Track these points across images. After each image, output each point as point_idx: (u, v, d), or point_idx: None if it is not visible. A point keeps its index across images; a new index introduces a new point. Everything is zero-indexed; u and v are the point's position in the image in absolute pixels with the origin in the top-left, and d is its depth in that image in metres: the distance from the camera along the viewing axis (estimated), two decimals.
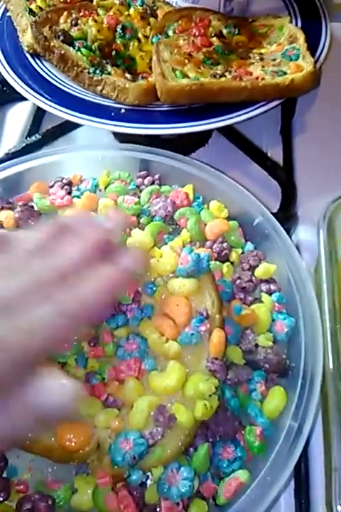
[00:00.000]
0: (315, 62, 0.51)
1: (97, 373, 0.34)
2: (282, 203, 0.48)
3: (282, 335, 0.36)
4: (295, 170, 0.52)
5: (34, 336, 0.23)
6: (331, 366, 0.34)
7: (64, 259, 0.26)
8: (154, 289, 0.36)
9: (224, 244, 0.39)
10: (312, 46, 0.54)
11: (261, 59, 0.52)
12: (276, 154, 0.53)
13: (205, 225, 0.41)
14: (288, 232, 0.45)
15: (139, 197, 0.43)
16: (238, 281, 0.38)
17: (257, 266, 0.40)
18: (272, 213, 0.41)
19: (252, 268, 0.40)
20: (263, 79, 0.49)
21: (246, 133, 0.54)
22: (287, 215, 0.47)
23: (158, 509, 0.31)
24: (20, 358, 0.23)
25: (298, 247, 0.43)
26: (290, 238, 0.43)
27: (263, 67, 0.51)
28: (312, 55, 0.52)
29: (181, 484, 0.30)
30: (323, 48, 0.54)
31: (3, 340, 0.22)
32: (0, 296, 0.24)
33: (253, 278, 0.39)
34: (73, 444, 0.30)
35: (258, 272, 0.39)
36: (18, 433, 0.24)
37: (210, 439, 0.33)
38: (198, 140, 0.54)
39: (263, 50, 0.54)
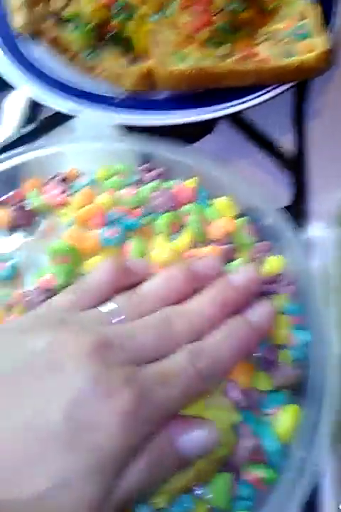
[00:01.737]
0: (328, 41, 0.47)
1: None
2: (293, 196, 0.45)
3: (295, 349, 0.32)
4: (307, 160, 0.48)
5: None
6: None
7: (196, 313, 0.26)
8: None
9: (231, 246, 0.36)
10: (325, 23, 0.50)
11: (269, 38, 0.48)
12: (287, 143, 0.49)
13: (210, 223, 0.38)
14: (300, 228, 0.42)
15: (140, 191, 0.40)
16: None
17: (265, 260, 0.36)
18: (282, 208, 0.38)
19: (262, 265, 0.36)
20: (271, 60, 0.45)
21: (255, 120, 0.50)
22: (298, 210, 0.44)
23: None
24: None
25: (309, 244, 0.41)
26: (302, 234, 0.41)
27: (271, 47, 0.47)
28: (325, 33, 0.48)
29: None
30: (337, 25, 0.50)
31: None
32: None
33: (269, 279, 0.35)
34: None
35: (267, 267, 0.35)
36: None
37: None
38: (203, 128, 0.51)
39: (271, 29, 0.50)
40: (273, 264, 0.35)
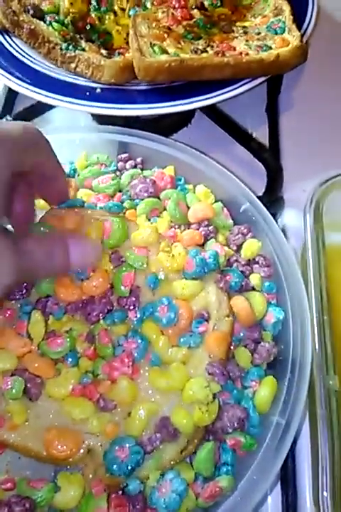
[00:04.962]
0: (302, 35, 0.49)
1: (90, 372, 0.32)
2: (267, 185, 0.46)
3: (269, 326, 0.34)
4: (281, 150, 0.49)
5: None
6: (318, 359, 0.33)
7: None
8: (156, 283, 0.33)
9: (210, 228, 0.37)
10: (299, 19, 0.51)
11: (245, 32, 0.50)
12: (262, 134, 0.50)
13: (189, 208, 0.39)
14: (274, 216, 0.43)
15: (119, 178, 0.41)
16: (235, 265, 0.37)
17: (243, 243, 0.38)
18: (257, 197, 0.39)
19: (240, 247, 0.38)
20: (247, 54, 0.46)
21: (230, 112, 0.51)
22: (273, 199, 0.45)
23: None
24: None
25: (284, 232, 0.42)
26: (277, 223, 0.42)
27: (247, 41, 0.48)
28: (299, 28, 0.49)
29: (169, 496, 0.28)
30: (310, 21, 0.51)
31: None
32: None
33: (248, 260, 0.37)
34: (62, 453, 0.29)
35: (246, 251, 0.37)
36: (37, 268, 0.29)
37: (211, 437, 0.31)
38: (180, 120, 0.52)
39: (247, 23, 0.51)
40: (250, 246, 0.37)
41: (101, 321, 0.33)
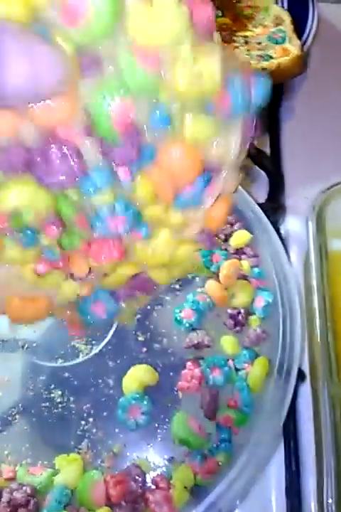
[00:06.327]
0: (302, 45, 0.49)
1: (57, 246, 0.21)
2: (269, 193, 0.46)
3: (259, 309, 0.36)
4: (282, 158, 0.50)
5: None
6: (322, 366, 0.33)
7: None
8: (166, 118, 0.19)
9: None
10: (300, 28, 0.52)
11: (246, 42, 0.50)
12: (263, 142, 0.51)
13: None
14: (276, 223, 0.44)
15: None
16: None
17: (232, 233, 0.40)
18: (259, 204, 0.40)
19: (228, 237, 0.40)
20: (249, 63, 0.47)
21: None
22: (275, 206, 0.45)
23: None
24: None
25: (286, 240, 0.42)
26: (279, 230, 0.42)
27: (248, 50, 0.49)
28: (299, 37, 0.50)
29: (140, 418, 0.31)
30: (310, 31, 0.52)
31: None
32: None
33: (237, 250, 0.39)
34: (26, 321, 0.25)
35: (235, 240, 0.39)
36: None
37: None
38: None
39: (248, 33, 0.52)
40: (240, 236, 0.39)
41: (70, 189, 0.19)
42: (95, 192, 0.19)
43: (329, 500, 0.30)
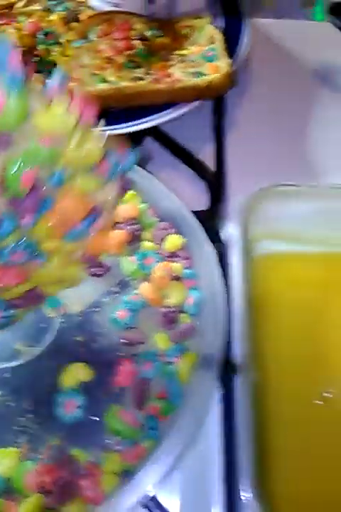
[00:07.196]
0: (233, 62, 0.53)
1: None
2: (211, 201, 0.50)
3: (191, 307, 0.39)
4: (226, 169, 0.53)
5: None
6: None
7: None
8: (62, 179, 0.27)
9: (136, 226, 0.42)
10: (233, 46, 0.56)
11: (182, 61, 0.54)
12: (207, 154, 0.54)
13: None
14: (218, 230, 0.47)
15: None
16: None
17: (165, 238, 0.42)
18: (201, 211, 0.43)
19: (162, 241, 0.42)
20: (182, 80, 0.50)
21: (176, 134, 0.55)
22: (216, 213, 0.49)
23: None
24: None
25: (227, 245, 0.45)
26: (220, 237, 0.45)
27: (183, 68, 0.52)
28: (231, 55, 0.54)
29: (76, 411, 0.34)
30: (241, 48, 0.56)
31: None
32: None
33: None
34: None
35: (167, 244, 0.42)
36: None
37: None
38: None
39: (184, 52, 0.55)
40: (173, 240, 0.42)
41: None
42: (4, 237, 0.27)
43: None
